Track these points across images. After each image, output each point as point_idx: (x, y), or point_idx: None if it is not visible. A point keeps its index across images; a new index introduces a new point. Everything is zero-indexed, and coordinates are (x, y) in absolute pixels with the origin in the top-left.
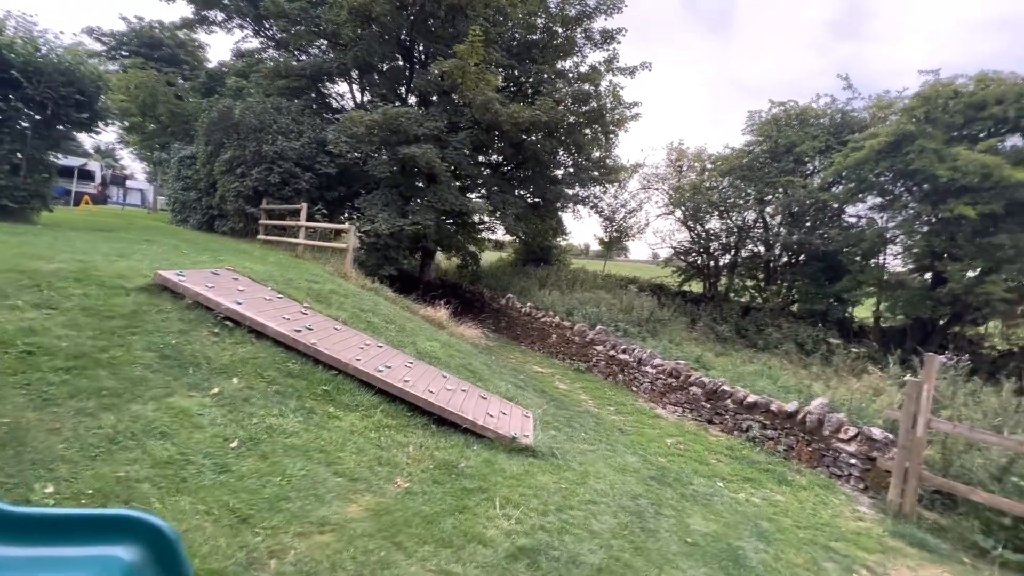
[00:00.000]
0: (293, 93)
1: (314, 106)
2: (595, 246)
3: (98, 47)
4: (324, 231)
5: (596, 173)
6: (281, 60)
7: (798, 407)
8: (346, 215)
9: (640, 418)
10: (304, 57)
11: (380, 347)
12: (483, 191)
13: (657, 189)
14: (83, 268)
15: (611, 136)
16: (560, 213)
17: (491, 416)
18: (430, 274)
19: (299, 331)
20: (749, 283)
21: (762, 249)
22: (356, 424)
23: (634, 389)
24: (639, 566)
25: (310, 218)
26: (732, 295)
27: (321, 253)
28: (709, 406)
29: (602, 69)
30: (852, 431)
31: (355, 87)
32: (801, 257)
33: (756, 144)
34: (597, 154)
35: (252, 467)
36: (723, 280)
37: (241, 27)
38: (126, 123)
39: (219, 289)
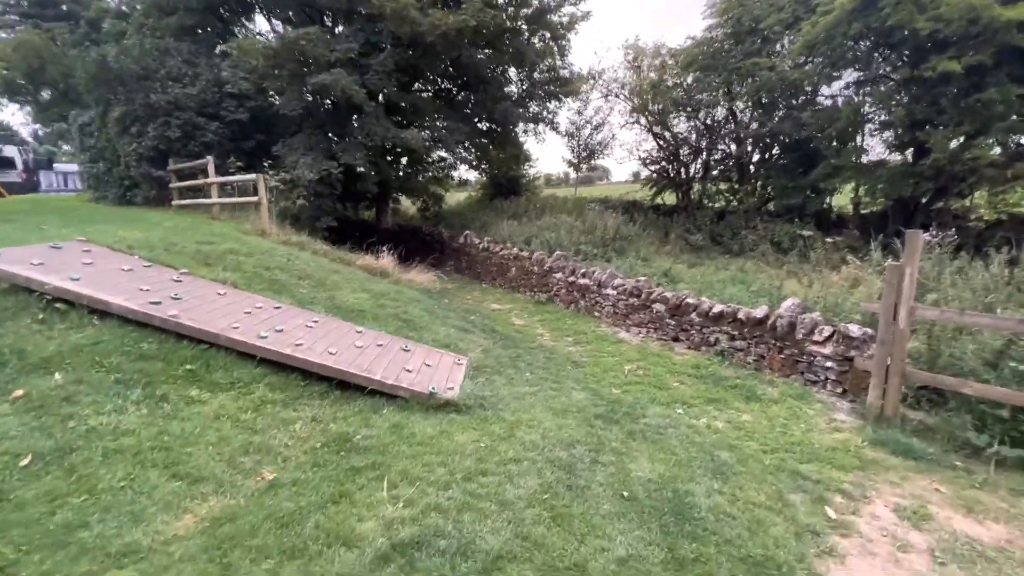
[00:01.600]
0: (188, 32)
1: (219, 47)
2: (573, 173)
3: None
4: (242, 187)
5: (552, 87)
6: None
7: (768, 311)
8: (268, 166)
9: (599, 346)
10: None
11: (278, 308)
12: (427, 122)
13: (618, 96)
14: None
15: (562, 41)
16: (520, 138)
17: (408, 371)
18: (387, 221)
19: (158, 303)
20: (723, 186)
21: (733, 147)
22: (226, 406)
23: (596, 315)
24: (552, 542)
25: (224, 173)
26: (706, 201)
27: (242, 211)
28: (674, 323)
29: None
30: (827, 331)
31: (262, 17)
32: (775, 151)
33: (718, 27)
34: (550, 63)
35: (44, 489)
36: (696, 188)
37: None
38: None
39: (52, 266)
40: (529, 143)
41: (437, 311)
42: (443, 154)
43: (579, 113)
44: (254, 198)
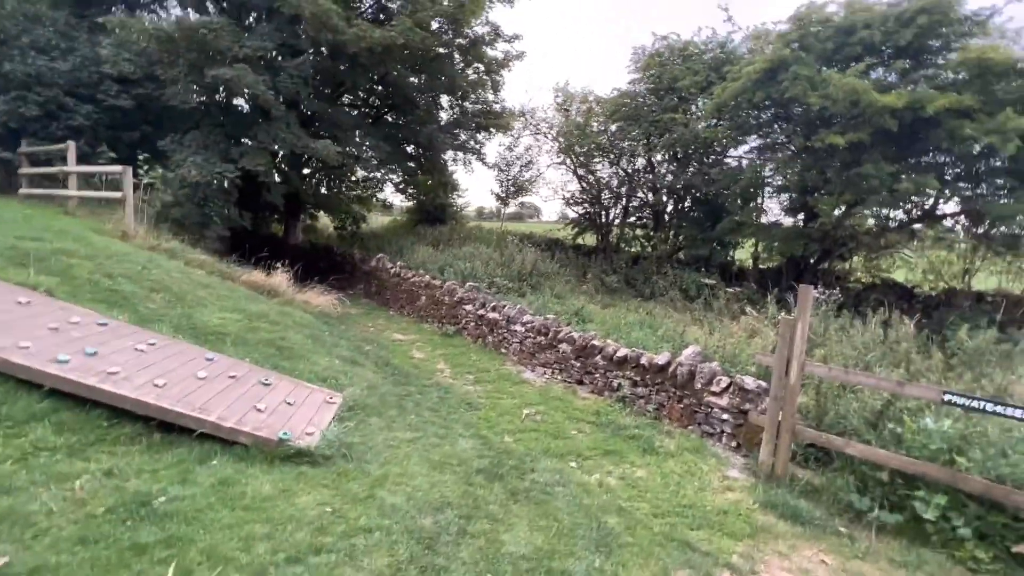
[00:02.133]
0: (80, 5)
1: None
2: (507, 207)
3: None
4: (113, 180)
5: (483, 120)
6: None
7: (669, 359)
8: (146, 162)
9: (501, 386)
10: None
11: (102, 325)
12: (349, 137)
13: (546, 135)
14: None
15: (495, 76)
16: (449, 166)
17: (259, 411)
18: (296, 236)
19: None
20: (639, 232)
21: (650, 196)
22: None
23: (503, 351)
24: None
25: (90, 163)
26: (623, 245)
27: (108, 208)
28: (579, 364)
29: None
30: (724, 382)
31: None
32: (687, 203)
33: (640, 82)
34: (485, 97)
35: None
36: (615, 232)
37: None
38: None
39: None
40: (459, 173)
41: (325, 338)
42: (371, 173)
43: (510, 149)
44: (118, 194)
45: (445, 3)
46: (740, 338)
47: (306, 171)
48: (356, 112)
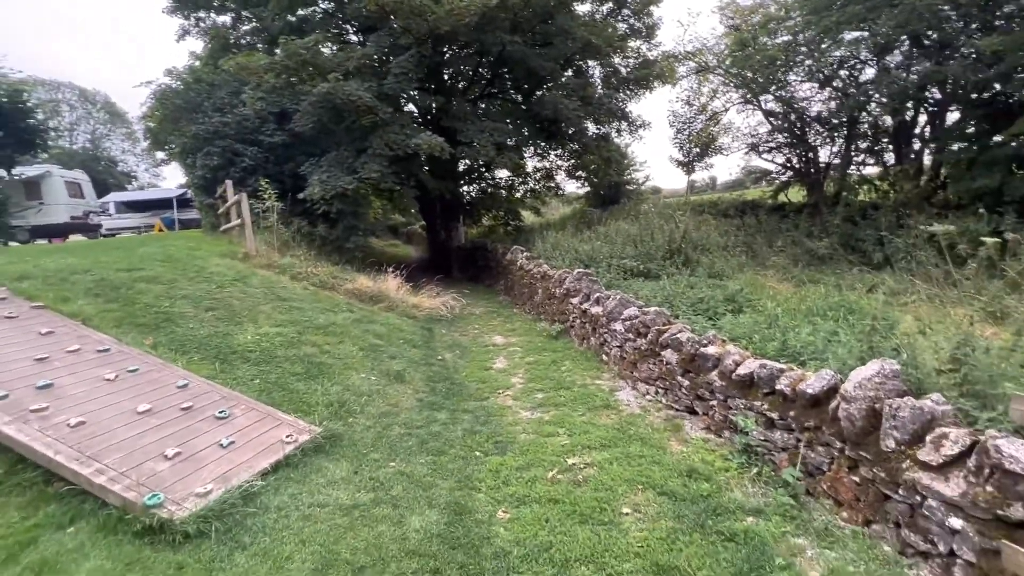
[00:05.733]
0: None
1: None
2: (691, 173)
3: None
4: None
5: (638, 73)
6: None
7: (829, 383)
8: (299, 186)
9: (570, 412)
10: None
11: (102, 351)
12: (470, 125)
13: (715, 72)
14: None
15: (645, 17)
16: (612, 138)
17: (166, 458)
18: (458, 238)
19: None
20: (871, 172)
21: (888, 120)
22: None
23: (604, 358)
24: None
25: (254, 196)
26: (846, 195)
27: (259, 232)
28: (687, 383)
29: None
30: (954, 443)
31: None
32: (950, 111)
33: None
34: (636, 47)
35: None
36: (830, 179)
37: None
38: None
39: None
40: (634, 145)
41: (387, 349)
42: (538, 164)
43: (688, 103)
44: (237, 221)
45: None
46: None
47: (448, 173)
48: (470, 97)
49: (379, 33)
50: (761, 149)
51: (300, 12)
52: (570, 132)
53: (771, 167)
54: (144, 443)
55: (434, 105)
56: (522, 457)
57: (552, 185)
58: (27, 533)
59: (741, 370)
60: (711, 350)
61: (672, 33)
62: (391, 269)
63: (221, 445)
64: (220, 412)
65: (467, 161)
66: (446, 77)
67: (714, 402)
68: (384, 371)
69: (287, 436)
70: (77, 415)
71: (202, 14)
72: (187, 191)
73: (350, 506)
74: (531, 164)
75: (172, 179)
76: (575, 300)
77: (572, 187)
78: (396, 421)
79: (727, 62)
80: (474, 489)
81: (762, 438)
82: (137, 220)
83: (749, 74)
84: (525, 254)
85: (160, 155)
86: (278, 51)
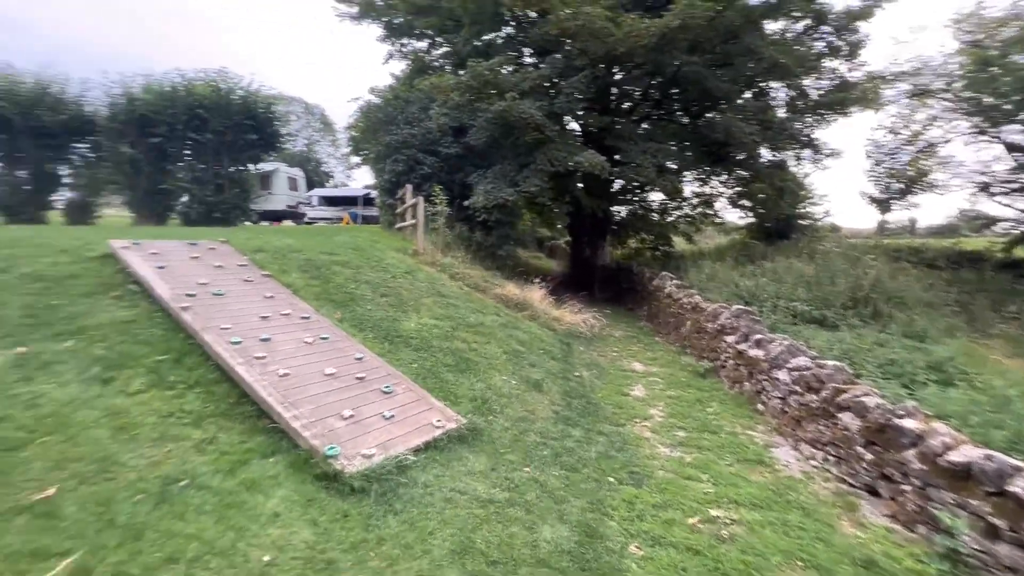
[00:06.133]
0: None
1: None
2: (886, 213)
3: None
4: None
5: (832, 96)
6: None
7: None
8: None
9: (714, 459)
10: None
11: (304, 318)
12: (635, 146)
13: (937, 96)
14: (86, 243)
15: (848, 35)
16: (789, 166)
17: (343, 418)
18: (603, 257)
19: (191, 295)
20: None
21: None
22: (147, 403)
23: (759, 407)
24: None
25: (427, 201)
26: None
27: (428, 233)
28: (871, 457)
29: None
30: None
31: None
32: None
33: None
34: (831, 67)
35: None
36: None
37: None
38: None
39: (161, 258)
40: (818, 176)
41: (528, 356)
42: (697, 189)
43: (892, 132)
44: (413, 221)
45: None
46: None
47: (617, 196)
48: (635, 118)
49: (554, 55)
50: (995, 191)
51: (485, 37)
52: (739, 157)
53: (1006, 213)
54: (328, 401)
55: (598, 125)
56: (659, 495)
57: (710, 212)
58: (244, 455)
59: (953, 456)
60: (909, 424)
61: (881, 52)
62: (536, 280)
63: (384, 416)
64: (386, 387)
65: (622, 181)
66: (613, 97)
67: (907, 487)
68: (524, 377)
69: (436, 420)
70: (284, 367)
71: (404, 40)
72: (371, 191)
73: (486, 500)
74: (689, 188)
75: (360, 180)
76: (730, 338)
77: (733, 216)
78: (532, 428)
79: (958, 84)
80: (606, 515)
81: (978, 548)
82: (331, 212)
83: (989, 99)
84: (675, 281)
85: (355, 159)
86: (462, 72)
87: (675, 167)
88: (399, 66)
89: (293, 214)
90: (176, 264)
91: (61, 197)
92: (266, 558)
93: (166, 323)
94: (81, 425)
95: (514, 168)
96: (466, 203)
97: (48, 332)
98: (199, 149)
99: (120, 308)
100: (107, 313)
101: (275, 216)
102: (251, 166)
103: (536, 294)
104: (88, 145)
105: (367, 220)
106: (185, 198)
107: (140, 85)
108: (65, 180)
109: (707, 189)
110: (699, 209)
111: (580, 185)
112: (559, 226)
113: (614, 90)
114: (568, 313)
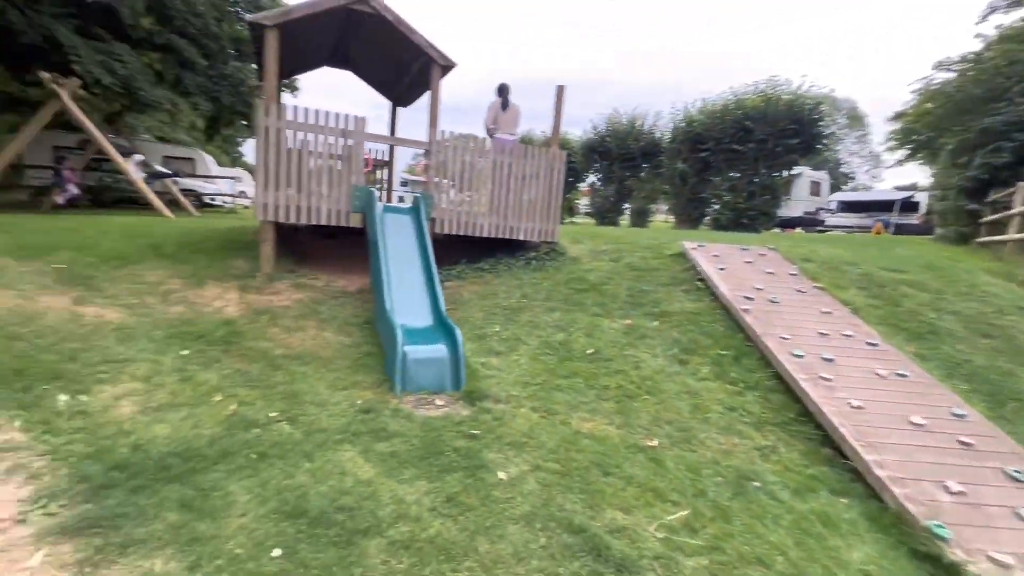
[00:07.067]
0: None
1: None
2: None
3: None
4: None
5: None
6: None
7: None
8: None
9: None
10: None
11: (871, 345)
12: None
13: None
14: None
15: None
16: None
17: (947, 489)
18: None
19: (749, 298)
20: None
21: None
22: (713, 392)
23: None
24: None
25: None
26: None
27: None
28: None
29: None
30: None
31: None
32: None
33: None
34: None
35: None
36: None
37: None
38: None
39: (721, 260)
40: None
41: None
42: None
43: None
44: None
45: None
46: None
47: None
48: None
49: None
50: None
51: None
52: None
53: None
54: (919, 458)
55: None
56: None
57: None
58: (809, 480)
59: None
60: None
61: None
62: None
63: (1019, 515)
64: (1016, 472)
65: None
66: None
67: None
68: None
69: None
70: (856, 399)
71: None
72: (912, 195)
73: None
74: None
75: (889, 182)
76: None
77: None
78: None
79: None
80: None
81: None
82: (853, 220)
83: None
84: None
85: (895, 156)
86: None
87: None
88: (1001, 20)
89: (809, 221)
90: (733, 267)
91: (628, 206)
92: None
93: (726, 321)
94: (668, 393)
95: None
96: None
97: (642, 311)
98: (739, 158)
99: (689, 300)
100: (679, 303)
101: (788, 223)
102: (784, 172)
103: None
104: (652, 164)
105: (901, 230)
106: (717, 205)
107: (697, 108)
108: (633, 192)
109: None
110: None
111: None
112: None
113: None
114: None
